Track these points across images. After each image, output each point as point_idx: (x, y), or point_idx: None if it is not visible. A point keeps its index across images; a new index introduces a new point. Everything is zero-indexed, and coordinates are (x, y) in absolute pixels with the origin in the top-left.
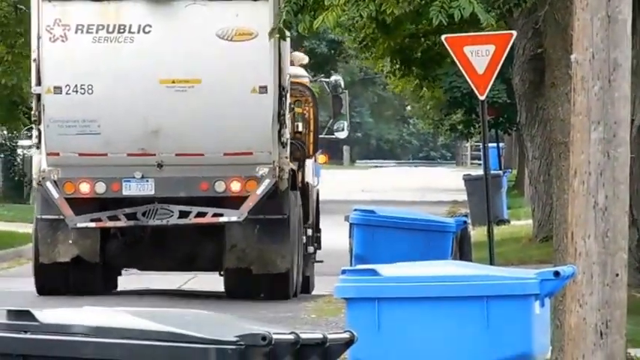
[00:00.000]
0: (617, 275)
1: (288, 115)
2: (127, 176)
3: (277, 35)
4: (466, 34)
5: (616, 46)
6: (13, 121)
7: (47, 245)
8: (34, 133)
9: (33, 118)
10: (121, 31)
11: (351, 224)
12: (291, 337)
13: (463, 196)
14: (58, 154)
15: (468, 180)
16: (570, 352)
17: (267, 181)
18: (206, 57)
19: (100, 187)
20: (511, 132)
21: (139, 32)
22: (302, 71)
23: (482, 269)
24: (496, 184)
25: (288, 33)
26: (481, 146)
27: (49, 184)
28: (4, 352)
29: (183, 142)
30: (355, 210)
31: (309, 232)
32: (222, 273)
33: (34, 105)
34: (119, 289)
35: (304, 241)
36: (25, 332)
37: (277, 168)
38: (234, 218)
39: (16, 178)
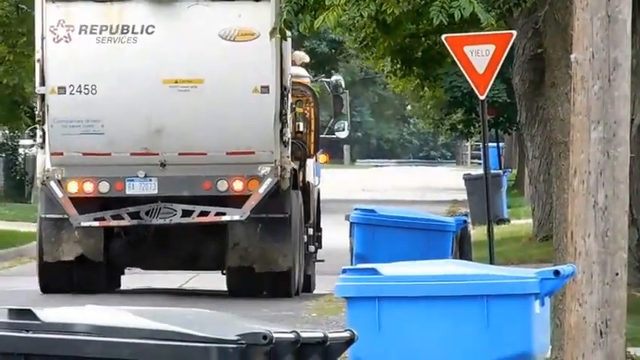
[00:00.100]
0: (616, 274)
1: (289, 115)
2: (130, 175)
3: (278, 35)
4: (466, 33)
5: (616, 46)
6: (15, 121)
7: (51, 244)
8: (38, 132)
9: (37, 118)
10: (125, 31)
11: (351, 223)
12: (292, 335)
13: (463, 196)
14: (61, 154)
15: (468, 179)
16: (570, 351)
17: (269, 180)
18: (209, 57)
19: (104, 187)
20: (511, 131)
21: (142, 33)
22: (303, 71)
23: (482, 268)
24: (496, 183)
25: (289, 33)
26: (481, 146)
27: (53, 184)
28: (6, 351)
29: (186, 142)
30: (356, 209)
31: (310, 231)
32: (224, 272)
33: (38, 105)
34: (122, 288)
35: (305, 240)
36: (27, 331)
37: (279, 167)
38: (236, 217)
39: (18, 178)
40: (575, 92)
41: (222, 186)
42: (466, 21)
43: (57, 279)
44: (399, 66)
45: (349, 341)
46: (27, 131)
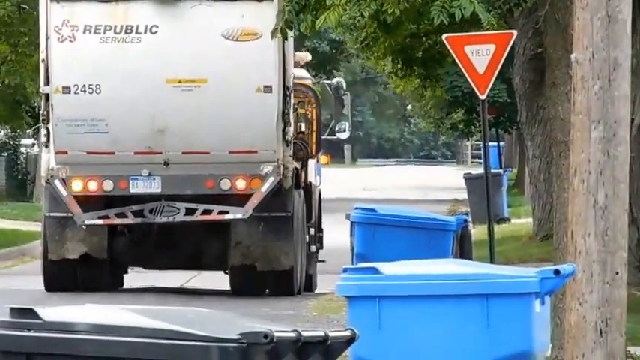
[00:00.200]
0: (616, 273)
1: (292, 115)
2: (134, 174)
3: (279, 35)
4: (467, 33)
5: (616, 46)
6: (17, 120)
7: (56, 242)
8: (43, 132)
9: (42, 118)
10: (129, 31)
11: (352, 223)
12: (293, 334)
13: (464, 195)
14: (66, 153)
15: (469, 179)
16: (570, 350)
17: (271, 179)
18: (212, 57)
19: (108, 185)
20: (511, 131)
21: (146, 33)
22: (305, 73)
23: (482, 267)
24: (496, 182)
25: (290, 33)
26: (481, 145)
27: (57, 182)
28: (8, 349)
29: (190, 141)
30: (356, 208)
31: (312, 231)
32: (226, 271)
33: (42, 104)
34: (125, 287)
35: (307, 240)
36: (29, 330)
37: (281, 166)
38: (239, 215)
39: (20, 177)
40: (575, 92)
41: (225, 185)
42: (467, 21)
43: (61, 277)
44: (399, 66)
45: (350, 340)
46: (29, 131)
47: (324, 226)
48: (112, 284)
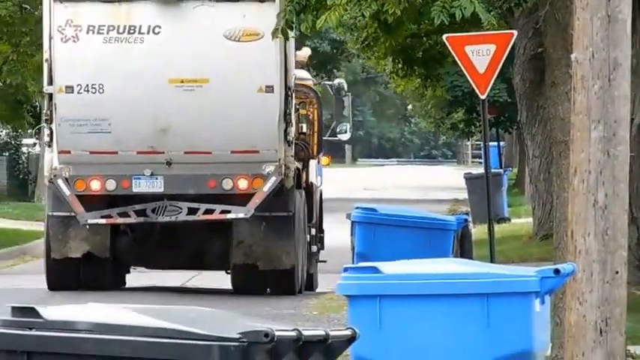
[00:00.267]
0: (616, 273)
1: (293, 115)
2: (136, 174)
3: (280, 35)
4: (467, 33)
5: (616, 46)
6: (18, 120)
7: (59, 241)
8: (46, 131)
9: (45, 117)
10: (131, 31)
11: (352, 222)
12: (294, 334)
13: (464, 195)
14: (69, 152)
15: (469, 178)
16: (570, 350)
17: (273, 179)
18: (214, 57)
19: (111, 185)
20: (512, 131)
21: (148, 33)
22: (306, 74)
23: (482, 267)
24: (497, 182)
25: (291, 33)
26: (482, 145)
27: (60, 182)
28: (9, 348)
29: (192, 141)
30: (357, 208)
31: (313, 231)
32: (228, 271)
33: (45, 104)
34: (127, 286)
35: (308, 239)
36: (30, 329)
37: (283, 166)
38: (241, 215)
39: (21, 177)
40: (575, 92)
41: (227, 184)
42: (467, 21)
43: (64, 276)
44: (400, 66)
45: (351, 339)
46: (30, 130)
47: (324, 225)
48: (114, 283)
